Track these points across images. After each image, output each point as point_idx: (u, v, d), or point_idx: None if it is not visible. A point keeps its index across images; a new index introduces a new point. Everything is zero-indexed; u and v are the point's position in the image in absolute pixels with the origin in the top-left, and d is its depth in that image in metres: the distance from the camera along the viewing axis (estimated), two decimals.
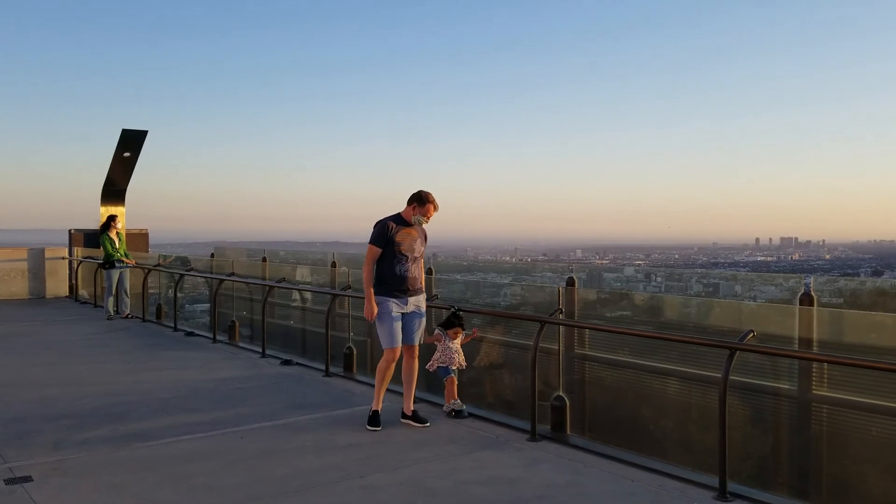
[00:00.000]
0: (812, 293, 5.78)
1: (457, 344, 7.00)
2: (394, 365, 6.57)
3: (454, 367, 6.96)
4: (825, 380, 5.54)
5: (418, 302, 6.62)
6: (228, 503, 4.76)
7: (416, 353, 6.73)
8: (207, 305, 13.30)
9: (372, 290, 6.47)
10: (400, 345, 6.52)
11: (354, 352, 9.12)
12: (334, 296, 9.38)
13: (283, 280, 11.10)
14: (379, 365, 6.61)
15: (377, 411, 6.54)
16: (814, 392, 5.61)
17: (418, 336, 6.66)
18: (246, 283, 12.16)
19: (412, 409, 6.66)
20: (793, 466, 5.91)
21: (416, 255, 6.57)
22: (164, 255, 16.21)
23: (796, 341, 5.68)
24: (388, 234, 6.45)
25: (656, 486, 5.08)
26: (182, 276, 13.65)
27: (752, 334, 5.17)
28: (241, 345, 11.28)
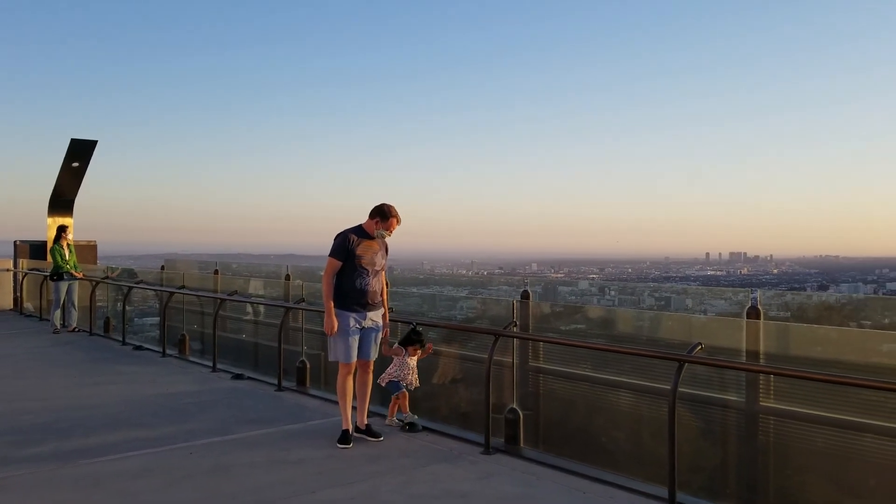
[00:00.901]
0: (759, 307, 5.91)
1: (414, 361, 6.95)
2: (351, 379, 6.51)
3: (406, 385, 6.89)
4: (772, 391, 5.66)
5: (376, 317, 6.56)
6: None
7: (371, 368, 6.68)
8: (157, 319, 13.05)
9: (332, 304, 6.35)
10: (355, 360, 6.46)
11: (308, 366, 9.03)
12: (287, 309, 9.28)
13: (236, 293, 10.96)
14: (337, 383, 6.52)
15: (347, 430, 6.41)
16: (761, 404, 5.72)
17: (374, 352, 6.62)
18: (197, 295, 11.97)
19: (366, 423, 6.60)
20: (741, 477, 6.01)
21: (376, 268, 6.50)
22: (112, 268, 15.87)
23: (744, 354, 5.79)
24: (349, 246, 6.37)
25: (607, 497, 5.12)
26: (130, 288, 13.39)
27: (700, 347, 5.27)
28: (192, 359, 11.09)
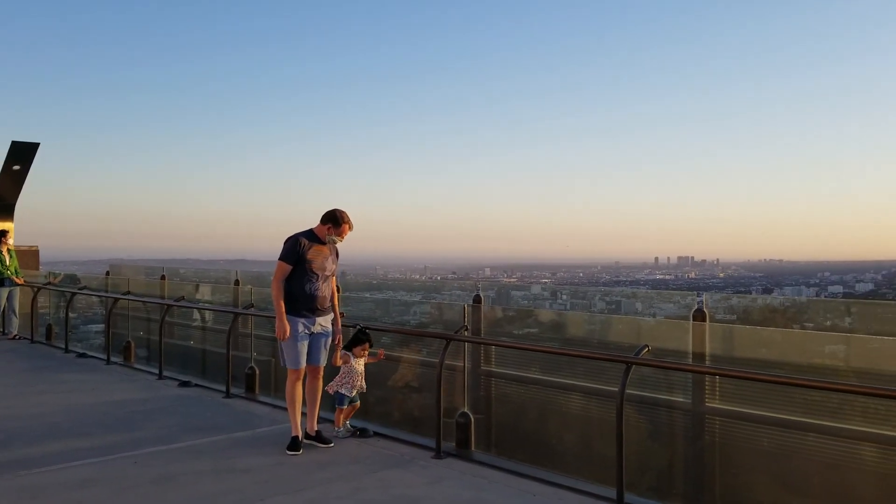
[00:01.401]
0: (705, 309, 6.03)
1: (361, 365, 6.83)
2: (300, 385, 6.44)
3: (354, 392, 6.75)
4: (717, 393, 5.77)
5: (326, 322, 6.49)
6: None
7: (321, 374, 6.60)
8: (102, 326, 12.76)
9: (283, 308, 6.25)
10: (304, 366, 6.40)
11: (257, 372, 8.91)
12: (236, 315, 9.15)
13: (183, 298, 10.77)
14: (286, 389, 6.45)
15: (297, 436, 6.32)
16: (706, 404, 5.83)
17: (323, 357, 6.54)
18: (143, 301, 11.73)
19: (316, 429, 6.52)
20: (688, 476, 6.11)
21: (326, 273, 6.43)
22: (54, 273, 15.45)
23: (690, 356, 5.90)
24: (299, 250, 6.28)
25: (557, 499, 5.16)
26: (73, 294, 13.06)
27: (647, 349, 5.34)
28: (137, 366, 10.84)
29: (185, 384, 9.27)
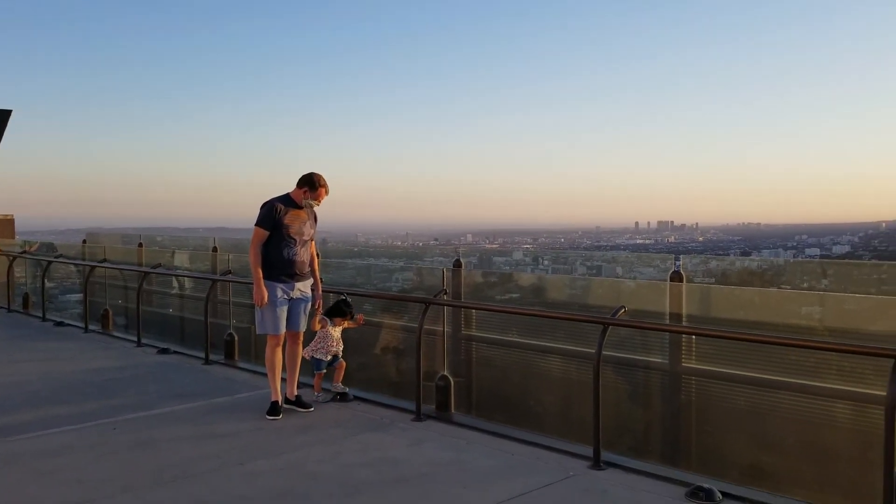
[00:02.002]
0: (682, 271, 6.05)
1: (338, 333, 6.80)
2: (280, 351, 6.41)
3: (329, 357, 6.73)
4: (694, 353, 5.82)
5: (305, 287, 6.45)
6: (99, 496, 4.54)
7: (301, 339, 6.58)
8: (80, 295, 12.64)
9: (261, 274, 6.19)
10: (283, 332, 6.36)
11: (236, 338, 8.87)
12: (214, 281, 9.09)
13: (160, 266, 10.68)
14: (266, 355, 6.43)
15: (276, 402, 6.32)
16: (683, 364, 5.88)
17: (303, 322, 6.51)
18: (119, 269, 11.62)
19: (296, 394, 6.52)
20: (664, 435, 6.19)
21: (304, 238, 6.36)
22: (30, 242, 15.25)
23: (667, 316, 5.93)
24: (275, 216, 6.19)
25: (535, 458, 5.21)
26: (50, 263, 12.90)
27: (623, 310, 5.36)
28: (116, 334, 10.77)
29: (163, 351, 9.23)
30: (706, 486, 4.52)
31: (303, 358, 6.68)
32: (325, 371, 6.79)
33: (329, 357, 6.75)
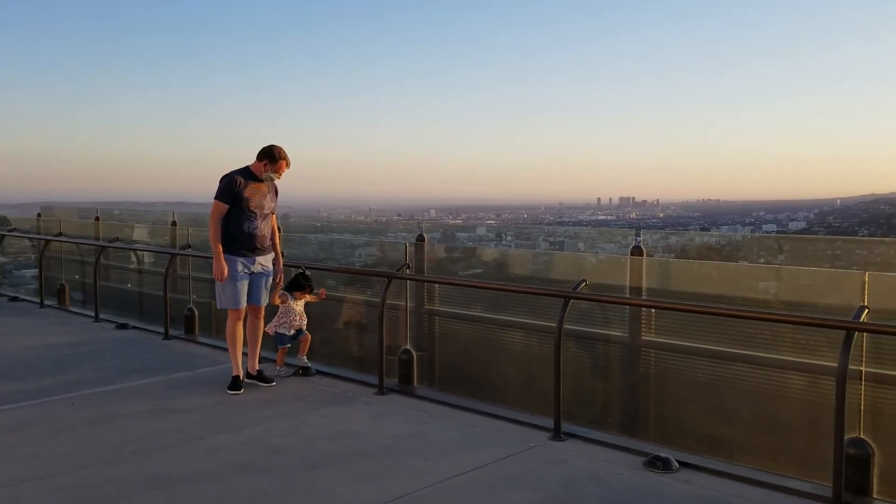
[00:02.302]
0: (642, 246, 6.11)
1: (300, 306, 6.78)
2: (241, 325, 6.36)
3: (292, 332, 6.72)
4: (653, 326, 5.90)
5: (266, 262, 6.38)
6: (57, 472, 4.49)
7: (262, 313, 6.52)
8: (35, 271, 12.37)
9: (221, 249, 6.11)
10: (244, 306, 6.30)
11: (196, 313, 8.78)
12: (173, 255, 8.97)
13: (117, 240, 10.48)
14: (227, 329, 6.37)
15: (238, 376, 6.29)
16: (643, 338, 5.96)
17: (264, 297, 6.44)
18: (76, 243, 11.39)
19: (258, 368, 6.49)
20: (624, 407, 6.28)
21: (265, 211, 6.28)
22: None
23: (627, 290, 6.00)
24: (235, 189, 6.10)
25: (497, 430, 5.26)
26: (3, 237, 12.60)
27: (584, 283, 5.41)
28: (73, 309, 10.59)
29: (122, 326, 9.11)
30: (663, 455, 4.61)
31: (266, 333, 6.64)
32: (288, 346, 6.76)
33: (292, 331, 6.72)
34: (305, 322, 6.80)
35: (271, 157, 6.21)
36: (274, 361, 6.80)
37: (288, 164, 6.29)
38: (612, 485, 4.32)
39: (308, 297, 6.84)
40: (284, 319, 6.71)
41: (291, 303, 6.70)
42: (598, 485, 4.32)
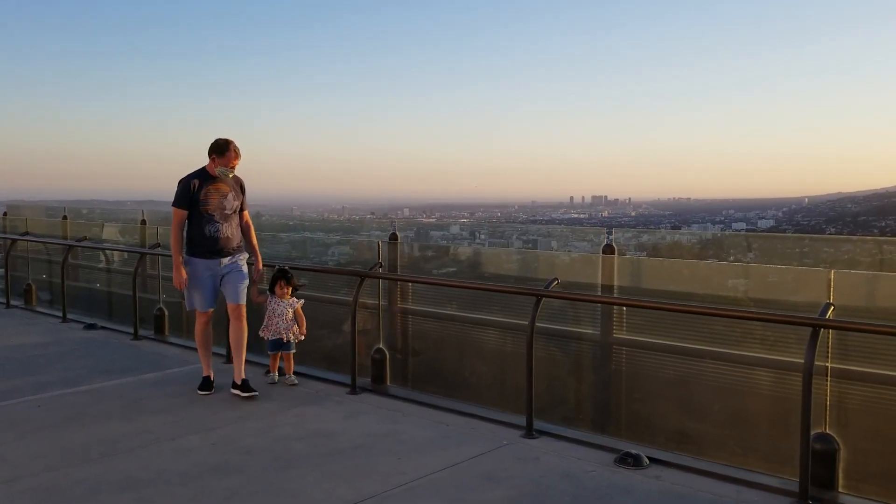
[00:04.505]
0: (613, 244, 6.16)
1: (288, 309, 6.30)
2: (209, 326, 6.21)
3: (283, 337, 6.28)
4: (624, 324, 5.94)
5: (234, 261, 6.10)
6: (24, 474, 4.42)
7: (243, 313, 6.13)
8: (2, 270, 12.15)
9: (180, 257, 5.92)
10: (211, 308, 6.12)
11: (166, 313, 8.68)
12: (142, 255, 8.86)
13: (85, 239, 10.33)
14: (196, 331, 6.26)
15: (208, 377, 6.17)
16: (614, 335, 6.00)
17: (242, 294, 6.08)
18: (43, 243, 11.21)
19: (243, 377, 6.04)
20: (595, 404, 6.32)
21: (227, 212, 6.00)
22: None
23: (599, 288, 6.04)
24: (191, 193, 5.88)
25: (469, 428, 5.27)
26: None
27: (556, 282, 5.44)
28: (40, 310, 10.42)
29: (90, 327, 8.98)
30: (634, 451, 4.66)
31: (260, 337, 6.39)
32: (278, 353, 6.40)
33: (284, 337, 6.30)
34: (297, 329, 6.37)
35: (219, 150, 5.93)
36: (260, 366, 6.63)
37: (238, 154, 5.97)
38: (584, 481, 4.35)
39: (289, 292, 6.34)
40: (267, 323, 6.35)
41: (274, 304, 6.31)
42: (569, 482, 4.35)
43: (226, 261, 6.05)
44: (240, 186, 6.18)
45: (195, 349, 6.59)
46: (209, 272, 6.03)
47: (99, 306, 10.49)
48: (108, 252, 10.74)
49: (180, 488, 4.25)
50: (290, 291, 6.37)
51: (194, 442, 5.00)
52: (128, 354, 7.66)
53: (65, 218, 11.39)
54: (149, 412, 5.67)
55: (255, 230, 6.44)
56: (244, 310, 6.15)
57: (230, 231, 6.07)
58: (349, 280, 7.28)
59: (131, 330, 8.49)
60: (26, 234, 11.44)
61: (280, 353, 6.41)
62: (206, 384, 6.16)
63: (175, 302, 8.87)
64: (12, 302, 10.76)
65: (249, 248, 6.32)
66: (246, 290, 6.19)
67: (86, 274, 11.34)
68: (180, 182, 5.96)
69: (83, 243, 10.24)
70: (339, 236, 10.83)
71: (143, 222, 9.87)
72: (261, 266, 6.37)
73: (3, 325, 9.27)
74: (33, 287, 11.01)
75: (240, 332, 6.12)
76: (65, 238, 10.91)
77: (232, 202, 6.06)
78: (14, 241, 11.40)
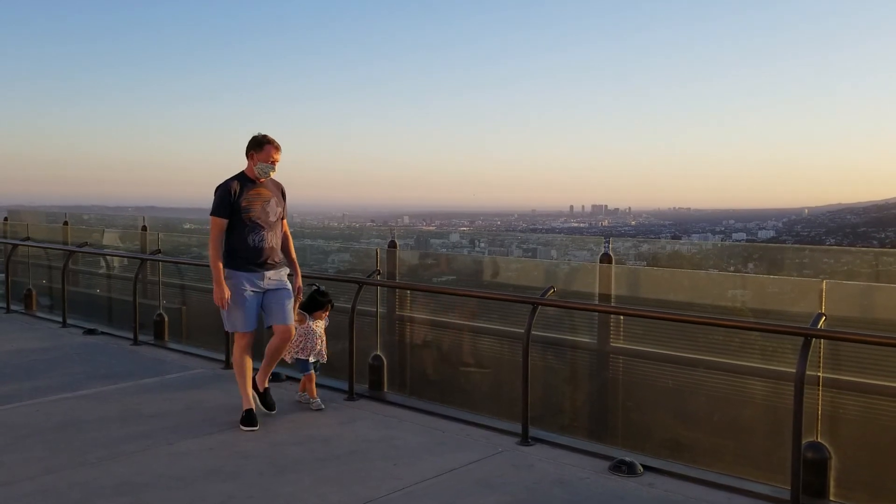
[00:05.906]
0: (611, 253, 6.20)
1: (321, 328, 6.04)
2: (250, 350, 5.57)
3: (315, 359, 6.00)
4: (622, 333, 5.98)
5: (278, 276, 5.56)
6: (21, 478, 4.46)
7: (292, 334, 5.63)
8: (1, 275, 12.20)
9: (221, 272, 5.32)
10: (252, 329, 5.51)
11: (166, 319, 8.72)
12: (143, 261, 8.91)
13: (86, 244, 10.39)
14: (233, 357, 5.65)
15: (251, 409, 5.49)
16: (611, 344, 6.04)
17: (290, 314, 5.58)
18: (44, 248, 11.26)
19: (266, 386, 5.73)
20: (592, 413, 6.36)
21: (271, 219, 5.45)
22: None
23: (597, 297, 6.08)
24: (231, 199, 5.31)
25: (464, 435, 5.31)
26: None
27: (552, 290, 5.48)
28: (40, 315, 10.45)
29: (90, 332, 9.02)
30: (628, 459, 4.69)
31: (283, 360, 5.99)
32: (314, 373, 6.04)
33: (314, 358, 6.00)
34: (324, 345, 6.08)
35: (257, 144, 5.40)
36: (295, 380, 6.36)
37: (277, 148, 5.42)
38: (577, 488, 4.38)
39: (324, 317, 6.10)
40: (304, 344, 5.94)
41: (311, 324, 5.97)
42: (563, 489, 4.38)
43: (270, 274, 5.50)
44: (281, 192, 5.67)
45: (194, 355, 6.64)
46: (253, 287, 5.46)
47: (99, 312, 10.54)
48: (108, 257, 10.79)
49: (177, 492, 4.29)
50: (327, 314, 6.13)
51: (191, 446, 5.04)
52: (127, 359, 7.70)
53: (65, 223, 11.44)
54: (147, 417, 5.70)
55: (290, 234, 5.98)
56: (294, 331, 5.70)
57: (275, 240, 5.54)
58: (348, 287, 7.32)
59: (131, 335, 8.53)
60: (27, 239, 11.50)
61: (311, 372, 6.04)
62: (250, 418, 5.45)
63: (175, 308, 8.93)
64: (12, 307, 10.80)
65: (288, 261, 5.80)
66: (291, 311, 5.69)
67: (86, 279, 11.39)
68: (218, 188, 5.40)
69: (84, 249, 10.29)
70: (339, 244, 10.88)
71: (144, 228, 9.92)
72: (300, 282, 5.86)
73: (3, 330, 9.31)
74: (33, 292, 11.05)
75: (282, 350, 5.70)
76: (65, 243, 10.97)
77: (276, 208, 5.55)
78: (15, 246, 11.45)
